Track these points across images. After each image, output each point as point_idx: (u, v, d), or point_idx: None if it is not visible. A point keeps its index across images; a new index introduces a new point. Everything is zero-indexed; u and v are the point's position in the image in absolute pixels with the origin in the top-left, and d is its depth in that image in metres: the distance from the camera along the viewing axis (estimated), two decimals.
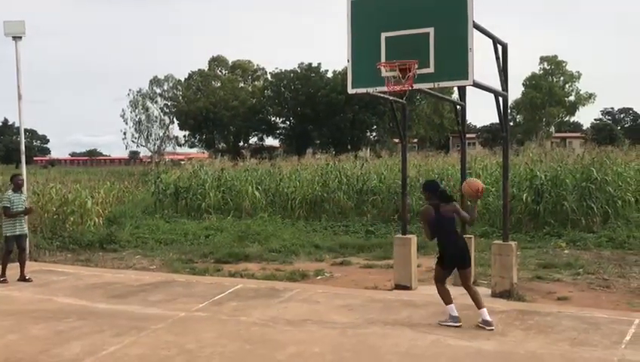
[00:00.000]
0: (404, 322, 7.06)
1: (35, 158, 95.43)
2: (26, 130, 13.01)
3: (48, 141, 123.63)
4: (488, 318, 6.71)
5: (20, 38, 11.99)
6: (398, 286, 8.88)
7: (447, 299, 6.96)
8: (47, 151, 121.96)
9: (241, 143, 68.37)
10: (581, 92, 68.45)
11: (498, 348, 6.06)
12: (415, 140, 63.04)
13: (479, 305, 6.82)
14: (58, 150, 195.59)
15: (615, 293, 8.76)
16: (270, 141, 69.27)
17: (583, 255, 11.76)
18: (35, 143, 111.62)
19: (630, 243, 12.58)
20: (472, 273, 9.18)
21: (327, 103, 57.81)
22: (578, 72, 67.88)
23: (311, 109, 59.42)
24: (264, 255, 12.31)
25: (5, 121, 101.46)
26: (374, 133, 63.67)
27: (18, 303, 8.37)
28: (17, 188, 10.05)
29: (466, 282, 6.99)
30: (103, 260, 12.24)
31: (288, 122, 64.99)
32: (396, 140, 47.53)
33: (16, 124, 26.85)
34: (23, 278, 9.81)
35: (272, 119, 65.94)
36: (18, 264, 9.97)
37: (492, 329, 6.60)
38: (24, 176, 12.14)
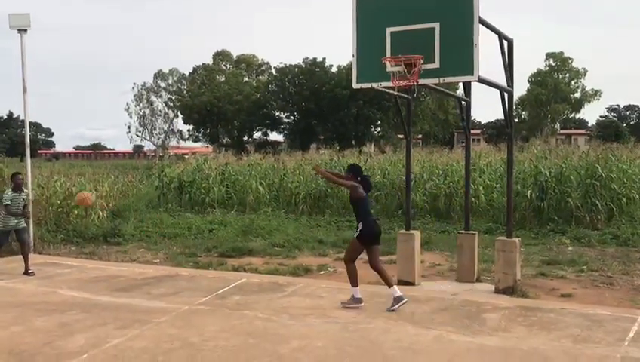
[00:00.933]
0: (406, 317, 7.07)
1: (39, 151, 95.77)
2: (30, 123, 13.01)
3: (53, 134, 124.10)
4: (399, 294, 7.30)
5: (25, 30, 11.99)
6: (401, 282, 8.86)
7: (355, 280, 7.48)
8: (51, 144, 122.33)
9: (245, 138, 68.40)
10: (587, 89, 68.26)
11: (501, 344, 6.06)
12: (419, 136, 62.98)
13: (389, 284, 7.40)
14: (62, 143, 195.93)
15: (619, 291, 8.75)
16: (274, 136, 69.30)
17: (587, 252, 11.74)
18: (39, 136, 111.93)
19: (634, 241, 12.55)
20: (476, 268, 9.21)
21: (331, 98, 57.71)
22: (584, 68, 67.72)
23: (315, 104, 59.34)
24: (268, 249, 12.32)
25: (10, 113, 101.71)
26: (379, 129, 63.57)
27: (22, 295, 8.40)
28: (17, 188, 9.92)
29: (375, 260, 7.53)
30: (107, 253, 12.28)
31: (292, 117, 64.91)
32: (401, 136, 47.47)
33: (21, 117, 26.85)
34: (27, 272, 9.77)
35: (276, 114, 65.88)
36: (22, 257, 9.92)
37: (406, 301, 7.23)
38: (29, 171, 12.17)
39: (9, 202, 9.74)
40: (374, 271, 7.59)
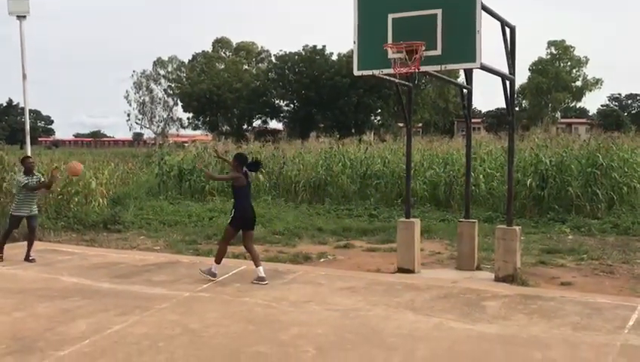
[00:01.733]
0: (406, 305, 7.08)
1: (39, 139, 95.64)
2: (30, 111, 12.98)
3: (52, 122, 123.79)
4: (263, 275, 8.00)
5: (24, 17, 11.95)
6: (401, 270, 8.90)
7: (220, 257, 8.21)
8: (51, 131, 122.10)
9: (245, 126, 68.27)
10: (588, 77, 68.00)
11: (501, 332, 6.08)
12: (420, 125, 62.78)
13: (257, 264, 8.11)
14: (62, 131, 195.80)
15: (619, 279, 8.77)
16: (274, 124, 69.22)
17: (587, 241, 11.76)
18: (39, 124, 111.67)
19: (635, 230, 12.57)
20: (476, 257, 9.23)
21: (331, 86, 57.55)
22: (585, 57, 67.38)
23: (315, 92, 59.19)
24: (267, 237, 12.34)
25: (10, 101, 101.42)
26: (379, 117, 63.47)
27: (24, 282, 8.42)
28: (28, 172, 9.69)
29: (250, 242, 8.28)
30: (108, 240, 12.30)
31: (292, 105, 64.77)
32: (401, 124, 47.35)
33: (21, 105, 26.80)
34: (27, 258, 9.74)
35: (276, 102, 65.74)
36: (26, 243, 9.88)
37: (266, 284, 7.88)
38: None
39: (27, 181, 9.52)
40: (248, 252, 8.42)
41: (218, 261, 8.26)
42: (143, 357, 5.44)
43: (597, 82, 67.86)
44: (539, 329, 6.15)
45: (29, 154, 12.34)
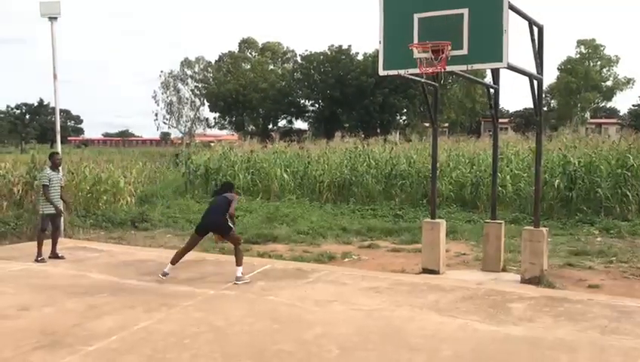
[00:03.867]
0: (431, 306, 7.05)
1: (69, 138, 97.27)
2: (60, 110, 13.22)
3: (82, 121, 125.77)
4: (239, 275, 8.22)
5: (56, 18, 12.17)
6: (426, 270, 8.85)
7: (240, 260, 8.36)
8: (80, 131, 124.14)
9: (270, 126, 68.54)
10: (619, 77, 66.59)
11: (526, 334, 6.01)
12: (446, 125, 62.22)
13: (238, 264, 8.29)
14: (91, 130, 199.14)
15: None
16: (299, 124, 69.29)
17: (617, 243, 11.54)
18: (69, 123, 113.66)
19: None
20: (502, 258, 9.12)
21: (356, 86, 57.39)
22: (616, 55, 65.92)
23: (340, 92, 59.07)
24: (292, 236, 12.38)
25: (41, 101, 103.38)
26: (404, 117, 63.08)
27: (53, 278, 8.61)
28: (55, 167, 10.15)
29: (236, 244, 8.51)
30: (135, 238, 12.48)
31: (317, 105, 64.75)
32: (426, 124, 47.06)
33: (52, 104, 27.35)
34: (55, 255, 9.97)
35: (301, 102, 65.80)
36: (50, 241, 10.06)
37: (247, 282, 8.15)
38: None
39: (47, 182, 9.81)
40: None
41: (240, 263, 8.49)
42: (169, 354, 5.52)
43: (628, 82, 66.37)
44: (565, 331, 6.07)
45: (59, 153, 12.58)
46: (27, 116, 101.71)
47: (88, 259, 10.01)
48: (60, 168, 10.56)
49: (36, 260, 9.73)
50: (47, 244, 10.02)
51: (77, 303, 7.19)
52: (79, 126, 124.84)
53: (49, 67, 12.34)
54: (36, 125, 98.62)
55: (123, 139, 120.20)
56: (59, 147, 12.76)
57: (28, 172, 14.26)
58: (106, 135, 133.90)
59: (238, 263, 8.32)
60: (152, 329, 6.23)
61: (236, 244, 8.47)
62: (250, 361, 5.37)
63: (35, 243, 10.01)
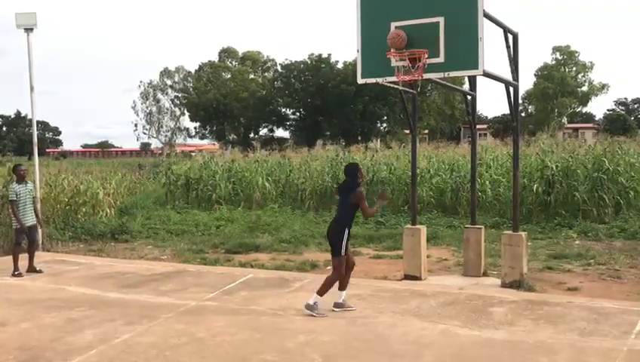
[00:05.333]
0: (413, 312, 7.08)
1: (47, 150, 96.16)
2: (38, 122, 13.07)
3: (60, 133, 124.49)
4: (338, 300, 7.11)
5: (32, 29, 12.06)
6: (408, 277, 8.89)
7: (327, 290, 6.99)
8: (59, 142, 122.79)
9: (252, 135, 68.49)
10: (594, 82, 67.81)
11: (507, 338, 6.07)
12: (426, 131, 62.71)
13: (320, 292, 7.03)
14: (70, 141, 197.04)
15: (626, 284, 8.73)
16: (280, 132, 69.38)
17: (594, 246, 11.71)
18: (47, 135, 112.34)
19: None
20: (483, 263, 9.20)
21: (337, 94, 57.64)
22: (591, 62, 67.18)
23: (321, 100, 59.30)
24: (274, 245, 12.36)
25: (18, 112, 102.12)
26: (385, 125, 63.47)
27: (31, 292, 8.47)
28: (21, 179, 9.72)
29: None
30: (115, 250, 12.36)
31: (298, 113, 64.92)
32: (407, 131, 47.32)
33: (29, 116, 27.01)
34: (32, 269, 9.76)
35: (282, 110, 65.93)
36: (27, 255, 9.82)
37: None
38: (37, 170, 12.24)
39: (15, 197, 9.50)
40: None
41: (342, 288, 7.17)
42: None
43: (603, 87, 67.64)
44: (545, 334, 6.14)
45: (37, 165, 12.44)
46: (4, 128, 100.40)
47: (67, 272, 9.87)
48: (29, 180, 10.12)
49: (13, 275, 9.54)
50: (24, 259, 9.86)
51: (56, 317, 7.09)
52: (57, 137, 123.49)
53: (25, 78, 12.20)
54: (13, 137, 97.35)
55: (102, 150, 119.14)
56: (36, 159, 12.61)
57: (4, 185, 14.04)
58: (85, 146, 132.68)
59: (320, 291, 7.00)
60: (132, 342, 6.16)
61: (333, 269, 7.07)
62: None
63: (11, 258, 9.83)
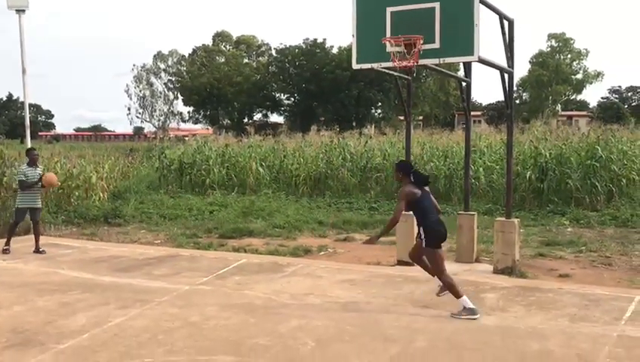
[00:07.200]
0: (406, 297, 7.12)
1: (39, 133, 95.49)
2: (30, 105, 13.00)
3: (53, 116, 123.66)
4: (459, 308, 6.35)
5: (24, 10, 11.93)
6: (401, 262, 8.93)
7: (456, 290, 6.37)
8: (51, 126, 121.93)
9: (246, 120, 68.18)
10: (589, 70, 67.80)
11: (499, 324, 6.12)
12: (420, 118, 62.70)
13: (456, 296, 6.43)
14: (63, 125, 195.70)
15: (617, 271, 8.80)
16: (274, 117, 69.11)
17: (586, 233, 11.79)
18: (39, 118, 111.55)
19: (634, 222, 12.61)
20: (475, 249, 9.26)
21: (332, 80, 57.39)
22: (586, 49, 67.11)
23: (316, 86, 59.02)
24: (268, 231, 12.37)
25: (10, 95, 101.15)
26: (379, 111, 63.32)
27: (24, 275, 8.46)
28: (32, 163, 10.15)
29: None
30: (108, 234, 12.34)
31: (293, 98, 64.61)
32: (401, 117, 47.25)
33: (21, 99, 26.86)
34: (37, 250, 9.99)
35: (277, 95, 65.59)
36: (33, 236, 10.16)
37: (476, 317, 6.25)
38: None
39: (23, 177, 9.91)
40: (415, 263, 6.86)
41: (458, 294, 6.39)
42: (143, 350, 5.48)
43: (598, 75, 67.63)
44: (537, 320, 6.19)
45: (29, 148, 12.37)
46: None
47: (60, 255, 9.86)
48: (39, 164, 10.55)
49: (3, 251, 9.84)
50: (21, 241, 9.90)
51: (49, 301, 7.09)
52: (50, 121, 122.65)
53: (17, 60, 12.09)
54: (5, 120, 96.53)
55: (95, 133, 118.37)
56: (28, 142, 12.57)
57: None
58: (78, 130, 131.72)
59: (454, 294, 6.38)
60: (125, 325, 6.17)
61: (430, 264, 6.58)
62: (225, 356, 5.36)
63: (3, 240, 10.02)
